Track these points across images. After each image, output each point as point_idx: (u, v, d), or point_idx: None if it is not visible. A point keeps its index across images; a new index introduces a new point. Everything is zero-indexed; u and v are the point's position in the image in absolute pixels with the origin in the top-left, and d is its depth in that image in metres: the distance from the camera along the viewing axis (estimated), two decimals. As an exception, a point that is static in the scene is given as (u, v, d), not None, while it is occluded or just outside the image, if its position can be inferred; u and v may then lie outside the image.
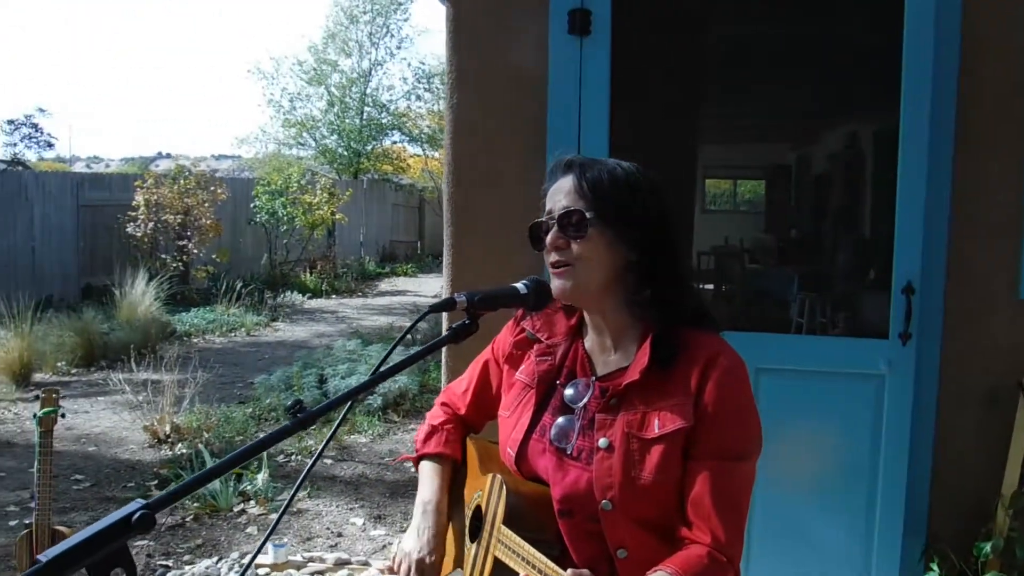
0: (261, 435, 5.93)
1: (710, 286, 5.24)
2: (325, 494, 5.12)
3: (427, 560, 1.60)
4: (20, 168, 13.27)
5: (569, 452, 1.49)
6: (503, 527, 1.47)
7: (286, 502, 1.37)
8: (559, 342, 1.60)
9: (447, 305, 1.41)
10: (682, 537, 1.40)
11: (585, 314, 1.57)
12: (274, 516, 4.71)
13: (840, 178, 4.80)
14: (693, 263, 4.93)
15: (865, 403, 2.95)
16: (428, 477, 1.71)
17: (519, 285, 1.49)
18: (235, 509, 4.77)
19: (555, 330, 1.61)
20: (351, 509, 4.90)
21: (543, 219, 1.51)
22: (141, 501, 1.01)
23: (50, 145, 12.41)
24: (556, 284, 1.48)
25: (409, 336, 9.89)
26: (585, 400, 1.51)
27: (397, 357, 1.37)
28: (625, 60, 3.08)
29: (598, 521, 1.43)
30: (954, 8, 2.83)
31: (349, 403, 1.31)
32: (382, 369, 1.33)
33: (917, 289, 2.79)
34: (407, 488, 5.09)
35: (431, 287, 15.95)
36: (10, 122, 12.23)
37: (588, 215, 1.44)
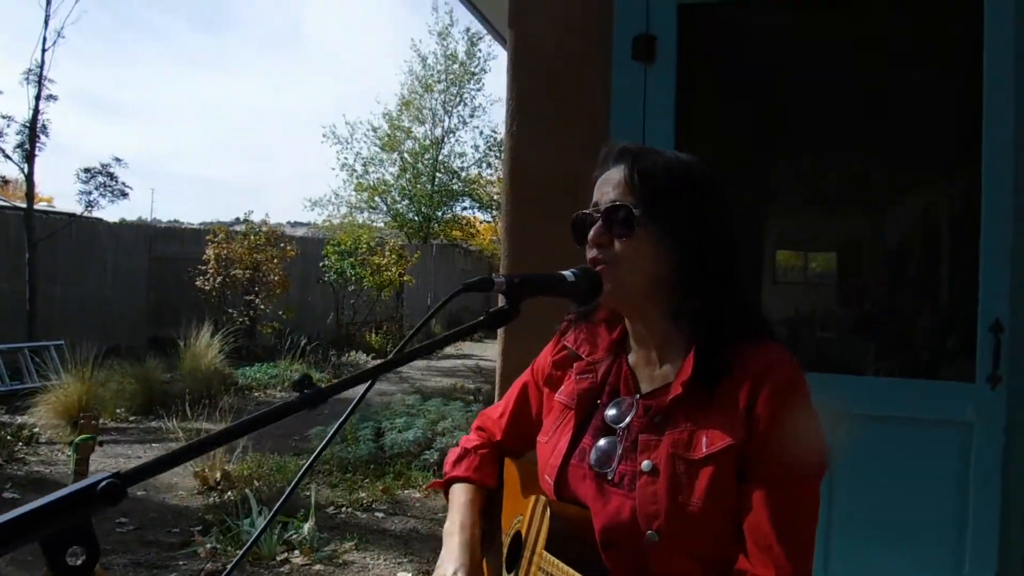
0: (314, 486, 5.96)
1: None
2: (373, 547, 4.95)
3: None
4: (95, 218, 13.67)
5: (611, 478, 1.32)
6: (545, 552, 1.30)
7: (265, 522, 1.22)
8: (601, 358, 1.44)
9: (484, 285, 1.25)
10: (741, 569, 1.21)
11: (628, 325, 1.41)
12: (319, 567, 4.56)
13: (918, 247, 4.52)
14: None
15: (949, 454, 2.65)
16: (457, 503, 1.54)
17: (567, 273, 1.32)
18: (278, 558, 4.62)
19: (597, 345, 1.46)
20: (399, 563, 4.71)
21: (588, 211, 1.37)
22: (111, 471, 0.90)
23: (124, 194, 12.71)
24: None
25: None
26: (628, 420, 1.35)
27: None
28: (692, 93, 2.95)
29: (646, 554, 1.25)
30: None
31: (369, 382, 1.15)
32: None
33: (1007, 327, 2.54)
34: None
35: (497, 352, 15.74)
36: (86, 170, 12.63)
37: (636, 211, 1.30)
